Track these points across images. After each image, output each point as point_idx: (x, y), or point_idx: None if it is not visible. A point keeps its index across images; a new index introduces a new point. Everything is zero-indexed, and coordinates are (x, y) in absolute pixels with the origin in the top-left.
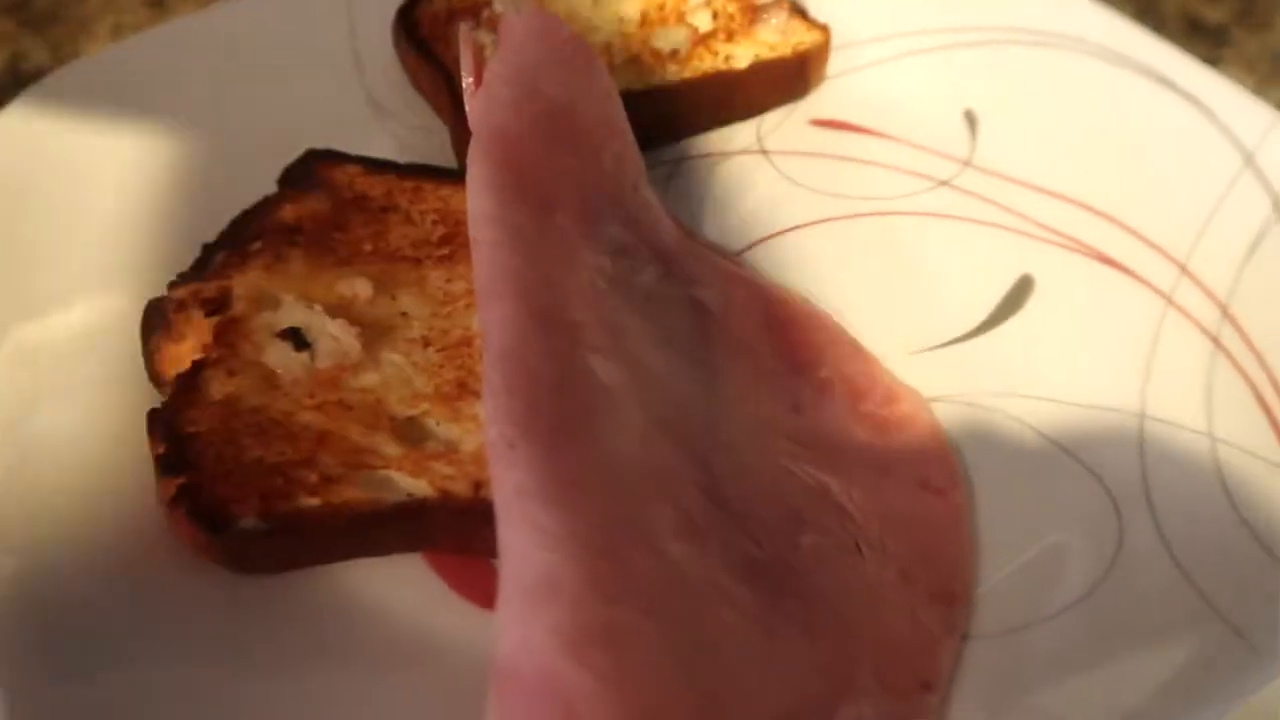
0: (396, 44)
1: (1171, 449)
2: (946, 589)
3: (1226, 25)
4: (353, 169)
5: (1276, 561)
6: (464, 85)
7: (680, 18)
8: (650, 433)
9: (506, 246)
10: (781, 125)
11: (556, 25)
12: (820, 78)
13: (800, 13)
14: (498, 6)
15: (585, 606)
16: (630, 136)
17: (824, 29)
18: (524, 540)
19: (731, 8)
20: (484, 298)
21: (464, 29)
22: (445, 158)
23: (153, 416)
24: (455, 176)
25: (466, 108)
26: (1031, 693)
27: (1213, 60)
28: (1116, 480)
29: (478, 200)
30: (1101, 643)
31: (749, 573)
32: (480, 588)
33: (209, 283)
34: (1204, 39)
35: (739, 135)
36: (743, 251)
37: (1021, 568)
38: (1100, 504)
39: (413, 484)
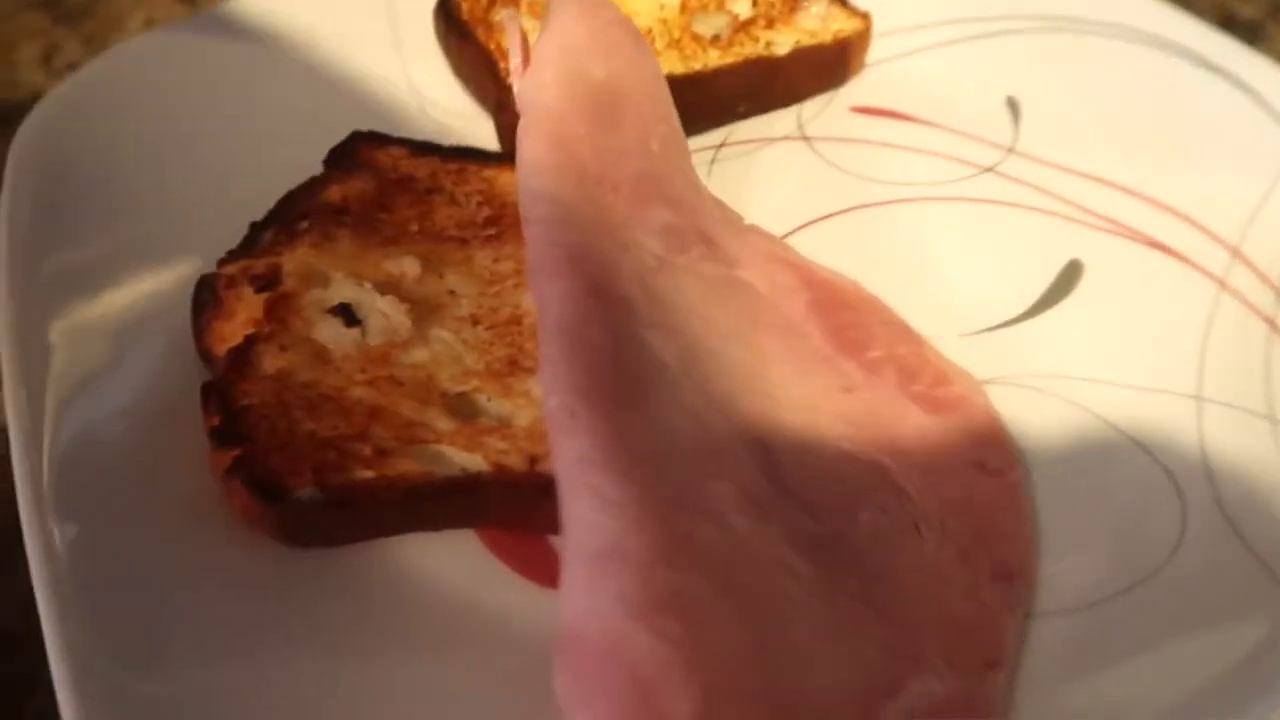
0: (438, 29)
1: (1231, 430)
2: (1006, 567)
3: (1260, 20)
4: (397, 151)
5: None
6: (511, 67)
7: (721, 4)
8: (705, 408)
9: (559, 223)
10: (823, 112)
11: (603, 6)
12: (861, 64)
13: (841, 0)
14: None
15: (653, 574)
16: (676, 120)
17: (865, 16)
18: (588, 508)
19: None
20: (537, 274)
21: (508, 13)
22: (485, 141)
23: (207, 389)
24: (499, 159)
25: (514, 89)
26: (1099, 672)
27: None
28: (1176, 461)
29: (529, 178)
30: (1169, 623)
31: (810, 547)
32: (535, 564)
33: (258, 260)
34: (1238, 34)
35: (780, 121)
36: (786, 236)
37: (1083, 547)
38: (1161, 485)
39: (466, 459)
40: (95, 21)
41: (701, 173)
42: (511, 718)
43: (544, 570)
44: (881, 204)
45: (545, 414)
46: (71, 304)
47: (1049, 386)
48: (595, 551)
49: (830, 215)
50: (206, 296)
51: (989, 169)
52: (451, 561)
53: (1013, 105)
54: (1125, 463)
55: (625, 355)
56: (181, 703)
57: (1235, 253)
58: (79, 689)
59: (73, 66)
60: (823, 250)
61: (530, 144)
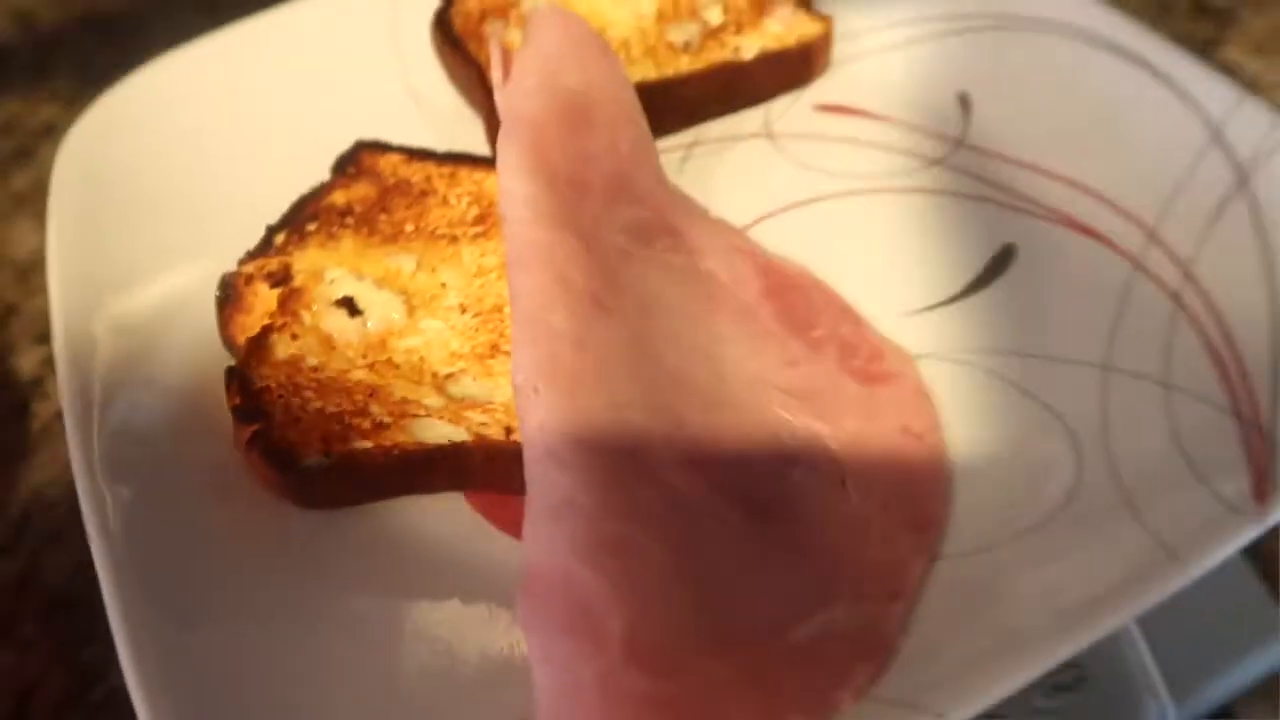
0: (434, 42)
1: (1130, 395)
2: (921, 518)
3: (1232, 7)
4: (395, 157)
5: (1209, 491)
6: (494, 79)
7: (693, 13)
8: (659, 383)
9: (533, 223)
10: (788, 110)
11: (576, 22)
12: (825, 65)
13: (805, 5)
14: (525, 6)
15: (598, 523)
16: (644, 123)
17: (826, 20)
18: (546, 469)
19: (741, 2)
20: (513, 268)
21: (494, 29)
22: (479, 145)
23: (229, 373)
24: (487, 162)
25: (496, 99)
26: (990, 605)
27: (1218, 41)
28: (1080, 423)
29: (507, 181)
30: (1053, 563)
31: (743, 501)
32: (514, 521)
33: (272, 259)
34: (1211, 20)
35: (749, 120)
36: (749, 226)
37: (989, 500)
38: (1063, 444)
39: (452, 430)
40: (123, 30)
41: (674, 170)
42: (490, 646)
43: (520, 526)
44: (838, 195)
45: (514, 390)
46: (112, 300)
47: (974, 360)
48: (551, 504)
49: (791, 207)
50: (228, 293)
51: (938, 161)
52: (441, 519)
53: (964, 100)
54: (1033, 425)
55: (585, 339)
56: (216, 643)
57: (1151, 234)
58: (133, 638)
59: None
60: (783, 239)
61: (509, 149)
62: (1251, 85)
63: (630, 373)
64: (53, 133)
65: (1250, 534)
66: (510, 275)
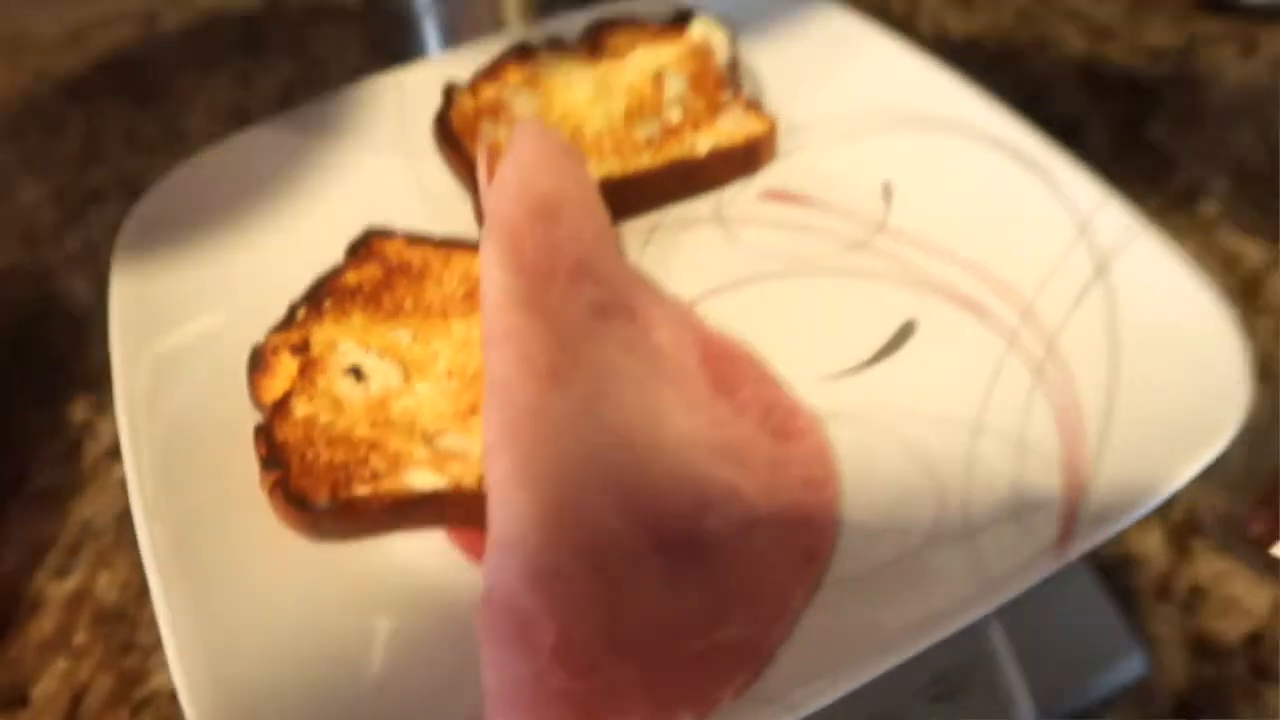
0: (435, 138)
1: (991, 451)
2: (810, 554)
3: (1158, 87)
4: (399, 242)
5: (1026, 531)
6: (479, 180)
7: (656, 112)
8: (604, 442)
9: (505, 308)
10: (737, 197)
11: (550, 135)
12: (770, 157)
13: (753, 106)
14: (514, 109)
15: (540, 555)
16: (606, 216)
17: (771, 120)
18: (503, 511)
19: (697, 104)
20: (486, 345)
21: (486, 129)
22: (472, 225)
23: (257, 430)
24: (477, 246)
25: (481, 196)
26: (846, 622)
27: (1143, 119)
28: (948, 475)
29: (486, 271)
30: (899, 590)
31: (662, 541)
32: (484, 554)
33: (294, 333)
34: (1165, 65)
35: (703, 206)
36: (697, 301)
37: (866, 538)
38: (932, 493)
39: (436, 478)
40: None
41: (637, 251)
42: (459, 654)
43: None
44: (775, 275)
45: (483, 446)
46: (165, 371)
47: (872, 419)
48: (505, 539)
49: (734, 284)
50: (257, 362)
51: (862, 244)
52: (427, 551)
53: (887, 189)
54: (911, 475)
55: (542, 407)
56: (248, 650)
57: (1026, 313)
58: (182, 650)
59: (150, 142)
60: (725, 312)
61: (488, 244)
62: (1169, 163)
63: (578, 435)
64: (100, 199)
65: (1049, 569)
66: (484, 351)
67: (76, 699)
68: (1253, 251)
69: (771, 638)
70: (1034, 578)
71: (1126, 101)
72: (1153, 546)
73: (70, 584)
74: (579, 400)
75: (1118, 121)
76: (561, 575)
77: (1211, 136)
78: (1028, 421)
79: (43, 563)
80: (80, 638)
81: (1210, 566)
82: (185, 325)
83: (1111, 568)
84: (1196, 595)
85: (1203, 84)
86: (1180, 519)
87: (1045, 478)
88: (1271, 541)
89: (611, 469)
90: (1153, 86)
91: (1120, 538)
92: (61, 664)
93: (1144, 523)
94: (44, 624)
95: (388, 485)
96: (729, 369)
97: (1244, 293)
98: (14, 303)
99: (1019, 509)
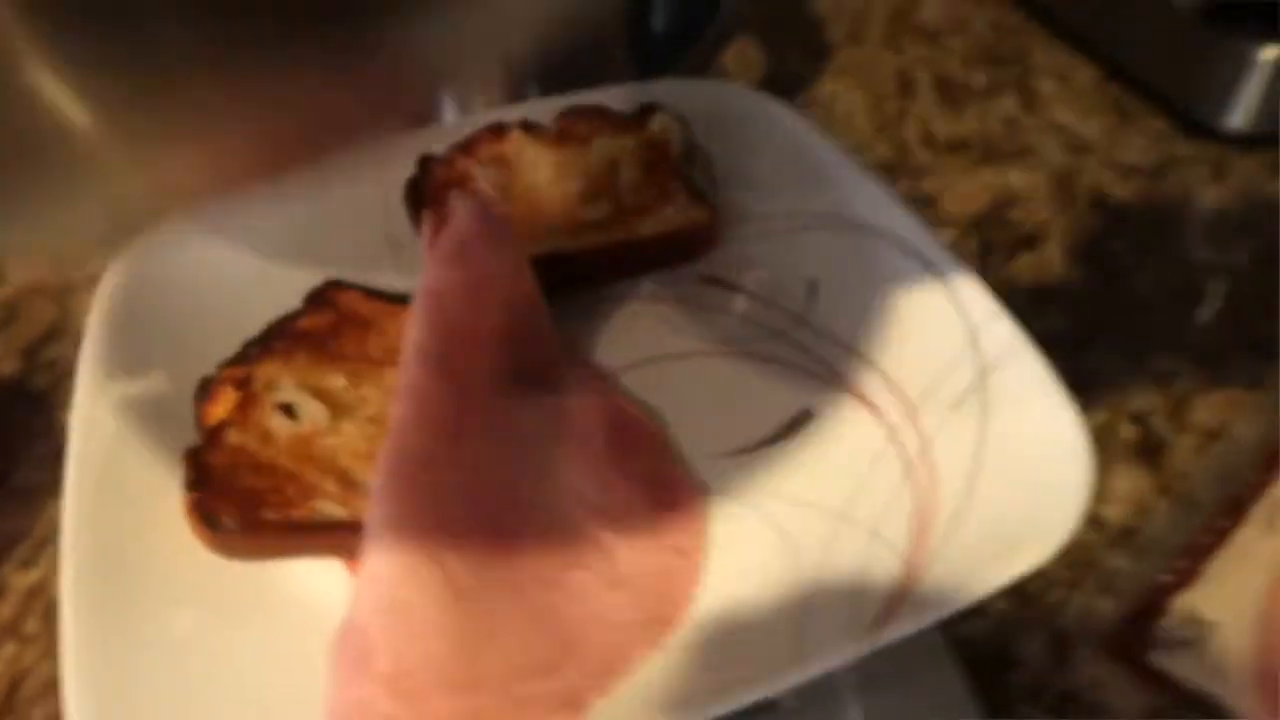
0: (405, 202)
1: (848, 539)
2: (660, 617)
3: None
4: (354, 294)
5: (853, 614)
6: (424, 245)
7: (608, 195)
8: (488, 493)
9: (415, 365)
10: (676, 279)
11: (488, 214)
12: (713, 244)
13: (698, 196)
14: (480, 183)
15: (392, 589)
16: (537, 290)
17: (711, 209)
18: (373, 547)
19: (648, 191)
20: (395, 395)
21: (426, 213)
22: None
23: (187, 453)
24: None
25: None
26: (671, 681)
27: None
28: (807, 556)
29: (409, 329)
30: (725, 653)
31: (520, 592)
32: None
33: (240, 368)
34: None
35: (642, 285)
36: (621, 371)
37: (723, 604)
38: (790, 573)
39: (340, 511)
40: None
41: (578, 321)
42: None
43: None
44: (697, 353)
45: (372, 487)
46: (126, 391)
47: (750, 498)
48: (368, 573)
49: (657, 359)
50: (203, 392)
51: (781, 333)
52: (326, 577)
53: (811, 285)
54: (774, 553)
55: (431, 458)
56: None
57: (910, 412)
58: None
59: None
60: (645, 384)
61: (417, 304)
62: (1121, 275)
63: (461, 486)
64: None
65: (857, 652)
66: (392, 403)
67: (16, 683)
68: (1188, 370)
69: (594, 690)
70: (841, 657)
71: (1090, 215)
72: (1034, 650)
73: (33, 576)
74: (472, 455)
75: (1080, 235)
76: (408, 611)
77: (1171, 254)
78: (887, 515)
79: (11, 555)
80: (31, 626)
81: (1088, 673)
82: (154, 371)
83: (988, 668)
84: (1067, 701)
85: (1169, 204)
86: (1067, 625)
87: (885, 568)
88: (1144, 652)
89: (487, 519)
90: (1119, 203)
91: (1002, 640)
92: (10, 649)
93: (1028, 626)
94: (3, 610)
95: (295, 513)
96: (629, 437)
97: (1172, 413)
98: (34, 318)
99: (852, 592)
